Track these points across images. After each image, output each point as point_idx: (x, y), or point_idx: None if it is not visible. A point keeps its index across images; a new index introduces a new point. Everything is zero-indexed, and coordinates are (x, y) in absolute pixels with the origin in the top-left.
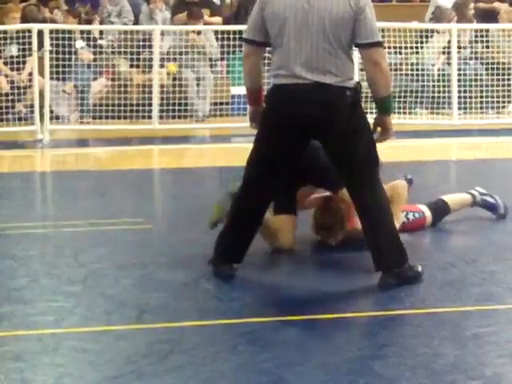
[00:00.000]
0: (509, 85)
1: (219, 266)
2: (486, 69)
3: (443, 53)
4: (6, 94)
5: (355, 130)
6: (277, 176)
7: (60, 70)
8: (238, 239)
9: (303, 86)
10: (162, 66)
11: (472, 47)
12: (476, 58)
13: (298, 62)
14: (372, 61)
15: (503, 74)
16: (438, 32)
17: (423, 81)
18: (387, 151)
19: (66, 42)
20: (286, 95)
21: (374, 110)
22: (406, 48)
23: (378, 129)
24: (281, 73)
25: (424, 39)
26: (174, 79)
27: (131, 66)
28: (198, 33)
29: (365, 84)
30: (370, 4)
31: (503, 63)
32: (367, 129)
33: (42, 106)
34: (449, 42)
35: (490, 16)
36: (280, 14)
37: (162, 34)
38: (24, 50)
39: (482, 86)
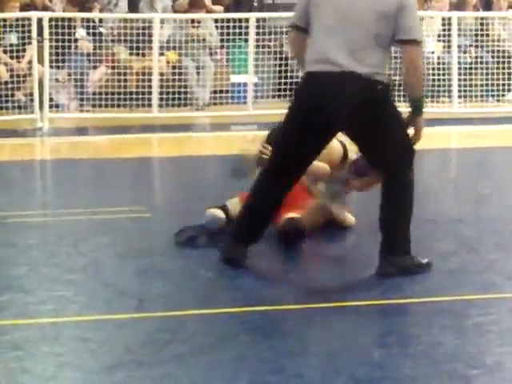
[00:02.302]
0: (509, 73)
1: (232, 251)
2: (487, 57)
3: (439, 40)
4: (6, 83)
5: (386, 121)
6: (302, 163)
7: (60, 58)
8: (254, 220)
9: (338, 74)
10: (161, 55)
11: (472, 35)
12: (476, 46)
13: (337, 50)
14: (408, 58)
15: (503, 62)
16: (431, 18)
17: (423, 69)
18: None
19: (66, 31)
20: (320, 83)
21: None
22: None
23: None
24: (316, 58)
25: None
26: (174, 67)
27: (131, 54)
28: (198, 22)
29: None
30: (415, 2)
31: (503, 51)
32: (400, 120)
33: (41, 95)
34: (449, 29)
35: (489, 3)
36: (325, 2)
37: (162, 22)
38: (24, 38)
39: (482, 73)
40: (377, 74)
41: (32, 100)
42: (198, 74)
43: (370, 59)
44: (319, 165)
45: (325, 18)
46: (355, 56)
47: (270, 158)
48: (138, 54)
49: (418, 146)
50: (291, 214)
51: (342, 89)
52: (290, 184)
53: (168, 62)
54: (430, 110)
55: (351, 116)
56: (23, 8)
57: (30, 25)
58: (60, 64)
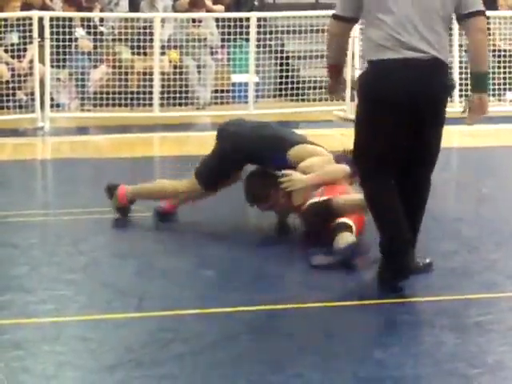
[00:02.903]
0: (510, 72)
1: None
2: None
3: None
4: (7, 82)
5: (444, 111)
6: (394, 160)
7: (61, 57)
8: (400, 231)
9: (415, 60)
10: (162, 54)
11: None
12: None
13: (411, 35)
14: (478, 29)
15: (504, 62)
16: None
17: None
18: None
19: (67, 30)
20: (397, 70)
21: None
22: None
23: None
24: (387, 45)
25: None
26: (175, 67)
27: (133, 53)
28: (199, 21)
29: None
30: None
31: (504, 50)
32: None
33: (42, 94)
34: (450, 28)
35: (490, 3)
36: None
37: (163, 21)
38: (25, 37)
39: None
40: (446, 58)
41: (33, 99)
42: (199, 73)
43: (441, 43)
44: (338, 167)
45: (392, 4)
46: (429, 41)
47: (361, 168)
48: (139, 54)
49: None
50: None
51: (428, 75)
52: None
53: (170, 62)
54: None
55: (432, 103)
56: (23, 7)
57: (30, 24)
58: (61, 63)
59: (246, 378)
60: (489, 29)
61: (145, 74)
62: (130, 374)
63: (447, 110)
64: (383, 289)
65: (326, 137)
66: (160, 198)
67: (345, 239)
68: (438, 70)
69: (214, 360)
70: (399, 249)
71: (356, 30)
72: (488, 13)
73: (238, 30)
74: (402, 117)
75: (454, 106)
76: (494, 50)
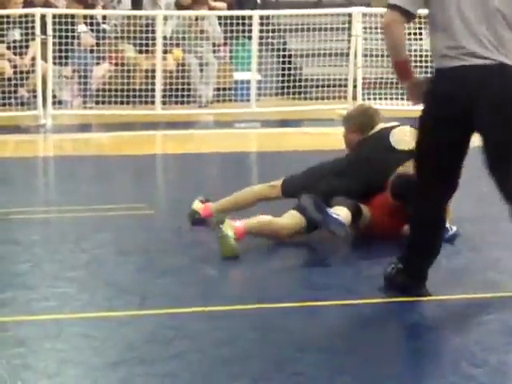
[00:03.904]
0: None
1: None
2: None
3: None
4: (9, 79)
5: None
6: (449, 177)
7: (63, 54)
8: (424, 255)
9: (484, 67)
10: (165, 52)
11: None
12: None
13: (479, 40)
14: None
15: None
16: None
17: (426, 67)
18: None
19: (70, 27)
20: (464, 78)
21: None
22: (409, 34)
23: None
24: (451, 54)
25: (423, 25)
26: (178, 64)
27: (140, 51)
28: (202, 19)
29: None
30: None
31: None
32: None
33: (44, 91)
34: None
35: None
36: None
37: (165, 19)
38: (27, 34)
39: None
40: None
41: (35, 96)
42: (201, 71)
43: (506, 47)
44: None
45: (460, 5)
46: (498, 45)
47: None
48: (141, 52)
49: None
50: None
51: (494, 81)
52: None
53: (174, 60)
54: None
55: (499, 110)
56: (26, 4)
57: (33, 21)
58: (63, 61)
59: (249, 376)
60: None
61: (147, 71)
62: (133, 371)
63: None
64: (390, 288)
65: (328, 135)
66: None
67: (342, 212)
68: (505, 75)
69: (217, 358)
70: (424, 262)
71: (359, 28)
72: None
73: (240, 27)
74: (465, 125)
75: None
76: None
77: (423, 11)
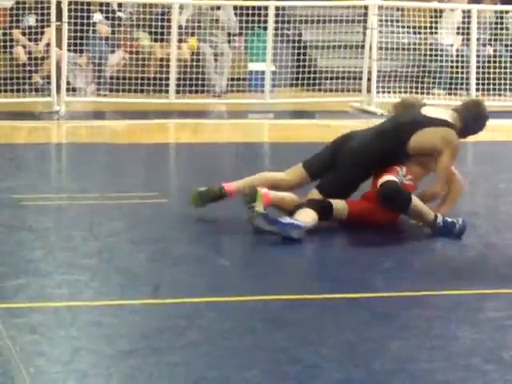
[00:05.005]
0: None
1: None
2: (505, 51)
3: (458, 33)
4: (24, 65)
5: None
6: None
7: (78, 41)
8: None
9: None
10: (180, 41)
11: (492, 28)
12: (495, 40)
13: None
14: None
15: None
16: (451, 10)
17: (441, 61)
18: None
19: (85, 14)
20: None
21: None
22: (424, 28)
23: None
24: None
25: (438, 19)
26: (192, 54)
27: (155, 40)
28: (217, 8)
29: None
30: None
31: None
32: None
33: (58, 78)
34: (468, 22)
35: None
36: None
37: (181, 7)
38: (42, 21)
39: (500, 67)
40: None
41: (49, 83)
42: (215, 60)
43: None
44: None
45: None
46: None
47: None
48: (156, 40)
49: None
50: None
51: None
52: None
53: (190, 49)
54: (448, 102)
55: None
56: None
57: (48, 8)
58: (78, 48)
59: (260, 367)
60: (507, 23)
61: (162, 60)
62: (145, 360)
63: None
64: None
65: (342, 128)
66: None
67: (301, 215)
68: None
69: (229, 348)
70: None
71: (374, 20)
72: (504, 7)
73: (256, 18)
74: None
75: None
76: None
77: (437, 5)
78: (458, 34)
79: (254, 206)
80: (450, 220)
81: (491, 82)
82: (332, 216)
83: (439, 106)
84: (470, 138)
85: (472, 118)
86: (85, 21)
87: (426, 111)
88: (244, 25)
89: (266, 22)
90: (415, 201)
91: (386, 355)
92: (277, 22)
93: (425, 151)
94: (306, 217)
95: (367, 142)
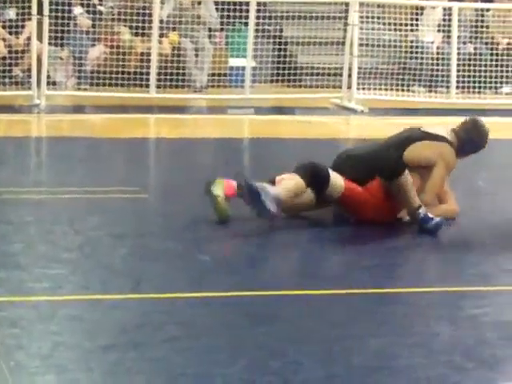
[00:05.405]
0: (507, 65)
1: None
2: (486, 49)
3: (438, 31)
4: (4, 58)
5: None
6: None
7: (59, 35)
8: None
9: None
10: (161, 36)
11: (472, 26)
12: (476, 38)
13: None
14: None
15: (502, 55)
16: (432, 8)
17: (422, 58)
18: (384, 127)
19: (66, 8)
20: None
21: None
22: (405, 25)
23: None
24: None
25: (419, 16)
26: (173, 49)
27: (136, 34)
28: (198, 3)
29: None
30: None
31: (502, 43)
32: None
33: (39, 71)
34: (449, 19)
35: None
36: None
37: (162, 2)
38: (23, 14)
39: (480, 65)
40: None
41: (29, 76)
42: (196, 56)
43: None
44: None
45: None
46: None
47: None
48: (137, 35)
49: None
50: None
51: None
52: None
53: (170, 44)
54: (428, 100)
55: None
56: None
57: (29, 1)
58: (59, 41)
59: (242, 362)
60: (487, 21)
61: (142, 54)
62: (125, 355)
63: (443, 101)
64: None
65: (322, 124)
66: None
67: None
68: None
69: (209, 344)
70: None
71: (355, 17)
72: (485, 5)
73: (237, 13)
74: None
75: (451, 98)
76: (493, 43)
77: (418, 2)
78: (438, 31)
79: (211, 190)
80: (430, 215)
81: (471, 79)
82: (326, 189)
83: (419, 102)
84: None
85: (468, 138)
86: (66, 14)
87: (424, 127)
88: (225, 20)
89: (247, 17)
90: (408, 179)
91: (367, 352)
92: (258, 17)
93: (420, 163)
94: (286, 188)
95: (365, 151)
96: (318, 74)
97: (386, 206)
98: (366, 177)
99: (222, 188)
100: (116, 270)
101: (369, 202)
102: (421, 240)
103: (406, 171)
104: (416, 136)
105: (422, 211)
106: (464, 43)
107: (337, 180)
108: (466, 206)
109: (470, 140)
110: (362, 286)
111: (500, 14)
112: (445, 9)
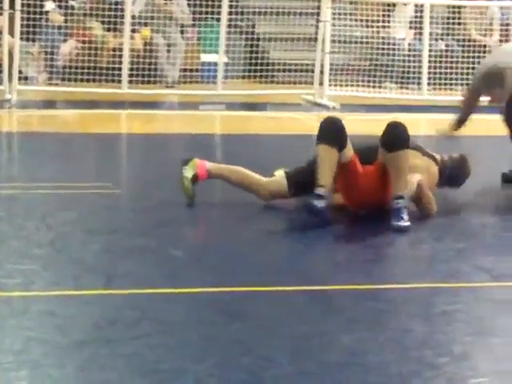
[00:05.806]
0: (478, 62)
1: None
2: (457, 45)
3: (410, 27)
4: None
5: None
6: None
7: (30, 30)
8: None
9: None
10: (133, 31)
11: (444, 23)
12: (447, 35)
13: None
14: None
15: (473, 51)
16: (404, 5)
17: (393, 55)
18: (356, 124)
19: (38, 3)
20: None
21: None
22: (377, 21)
23: None
24: None
25: (391, 13)
26: (145, 44)
27: (108, 29)
28: None
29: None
30: None
31: (474, 40)
32: None
33: (10, 66)
34: (421, 16)
35: None
36: None
37: None
38: None
39: (452, 62)
40: None
41: (1, 71)
42: (168, 51)
43: None
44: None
45: None
46: None
47: None
48: (109, 30)
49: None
50: None
51: None
52: None
53: (143, 39)
54: (400, 96)
55: None
56: None
57: None
58: (31, 36)
59: (214, 358)
60: (459, 18)
61: (114, 49)
62: (98, 351)
63: (415, 98)
64: None
65: (294, 120)
66: (238, 185)
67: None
68: None
69: (182, 340)
70: None
71: (327, 13)
72: (461, 2)
73: (209, 9)
74: None
75: (422, 94)
76: (465, 40)
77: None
78: (410, 28)
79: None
80: (405, 215)
81: (443, 76)
82: (345, 147)
83: (390, 99)
84: (423, 132)
85: (450, 168)
86: (37, 9)
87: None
88: (197, 16)
89: (219, 13)
90: (408, 160)
91: (339, 348)
92: (230, 13)
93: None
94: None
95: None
96: (290, 70)
97: (374, 191)
98: (366, 159)
99: (193, 168)
100: (89, 266)
101: (361, 182)
102: (394, 237)
103: (408, 151)
104: (411, 144)
105: (401, 203)
106: (436, 40)
107: (350, 146)
108: (437, 201)
109: (451, 172)
110: (335, 282)
111: (473, 11)
112: (416, 5)
